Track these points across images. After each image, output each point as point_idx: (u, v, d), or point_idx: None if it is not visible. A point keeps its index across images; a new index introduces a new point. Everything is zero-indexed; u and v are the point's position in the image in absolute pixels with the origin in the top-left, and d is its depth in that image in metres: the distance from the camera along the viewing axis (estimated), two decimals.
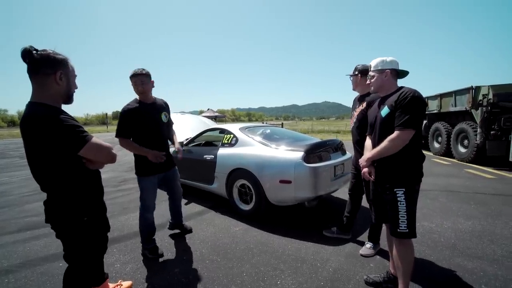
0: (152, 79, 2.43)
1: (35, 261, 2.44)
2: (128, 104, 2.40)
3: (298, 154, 3.04)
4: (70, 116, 1.29)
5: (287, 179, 2.98)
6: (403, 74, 1.87)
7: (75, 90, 1.41)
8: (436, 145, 8.99)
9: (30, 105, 1.26)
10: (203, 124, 5.33)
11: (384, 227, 2.16)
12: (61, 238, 1.41)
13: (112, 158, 1.38)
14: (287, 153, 3.12)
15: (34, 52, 1.23)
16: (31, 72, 1.25)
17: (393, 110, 1.68)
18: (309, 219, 3.36)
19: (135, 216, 3.57)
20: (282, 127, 5.38)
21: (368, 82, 1.94)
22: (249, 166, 3.25)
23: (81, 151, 1.26)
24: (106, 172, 6.75)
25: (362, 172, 1.91)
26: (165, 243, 2.75)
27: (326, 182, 3.15)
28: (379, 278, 2.03)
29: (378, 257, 2.45)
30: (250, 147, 3.45)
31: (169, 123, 2.63)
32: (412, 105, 1.63)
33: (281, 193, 3.07)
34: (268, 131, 3.99)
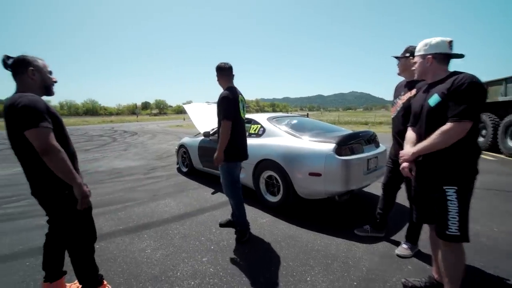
0: (216, 74, 2.56)
1: None
2: None
3: (329, 146, 2.88)
4: (46, 104, 1.42)
5: (317, 172, 2.85)
6: (456, 57, 1.64)
7: (54, 83, 1.60)
8: (480, 138, 8.23)
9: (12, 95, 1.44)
10: None
11: (425, 227, 1.98)
12: (48, 211, 1.62)
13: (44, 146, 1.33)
14: (317, 145, 2.97)
15: (7, 60, 1.46)
16: (12, 75, 1.47)
17: (444, 99, 1.48)
18: (339, 214, 3.22)
19: (164, 203, 3.66)
20: (307, 117, 5.17)
21: (413, 68, 1.74)
22: (277, 157, 3.16)
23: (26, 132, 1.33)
24: (137, 160, 7.04)
25: (401, 167, 1.73)
26: (193, 232, 2.77)
27: (358, 176, 2.98)
28: (419, 282, 1.87)
29: (415, 259, 2.27)
30: (278, 137, 3.35)
31: (217, 115, 2.53)
32: (470, 93, 1.42)
33: (310, 186, 2.95)
34: (297, 121, 3.85)
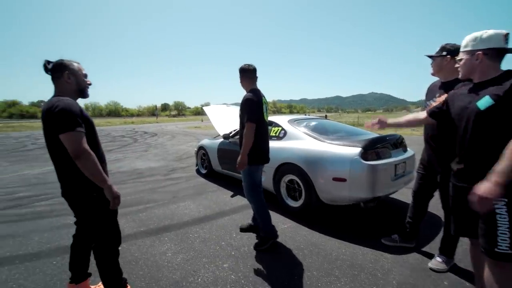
0: (240, 76, 2.53)
1: None
2: None
3: (355, 150, 2.75)
4: (80, 108, 1.47)
5: (342, 177, 2.73)
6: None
7: (88, 85, 1.64)
8: None
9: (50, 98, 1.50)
10: None
11: (462, 238, 1.82)
12: (77, 212, 1.66)
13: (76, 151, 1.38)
14: (342, 149, 2.85)
15: (48, 65, 1.53)
16: (51, 78, 1.54)
17: (498, 102, 1.32)
18: (365, 222, 3.06)
19: (184, 205, 3.66)
20: (325, 118, 5.01)
21: (456, 65, 1.58)
22: (299, 161, 3.07)
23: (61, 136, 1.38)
24: (157, 161, 7.17)
25: (478, 201, 1.27)
26: (213, 236, 2.74)
27: (385, 182, 2.82)
28: None
29: (452, 274, 2.09)
30: (300, 140, 3.25)
31: (239, 117, 2.50)
32: None
33: (334, 191, 2.83)
34: (319, 124, 3.74)
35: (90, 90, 1.67)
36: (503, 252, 1.35)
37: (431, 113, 1.86)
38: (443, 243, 2.23)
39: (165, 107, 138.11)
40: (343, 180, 2.72)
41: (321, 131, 3.38)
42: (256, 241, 2.60)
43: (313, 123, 3.72)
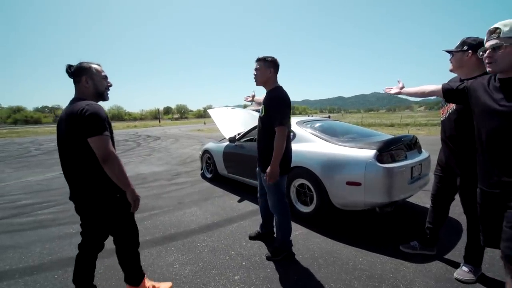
0: (271, 68, 2.17)
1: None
2: None
3: (370, 152, 2.61)
4: (106, 114, 1.49)
5: (356, 181, 2.59)
6: None
7: (109, 87, 1.65)
8: None
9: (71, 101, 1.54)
10: (254, 118, 5.14)
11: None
12: (94, 217, 1.64)
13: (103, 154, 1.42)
14: (356, 151, 2.71)
15: (70, 69, 1.55)
16: (73, 82, 1.57)
17: None
18: (381, 228, 2.91)
19: (190, 212, 3.54)
20: (329, 118, 4.93)
21: (498, 57, 1.33)
22: (310, 164, 2.93)
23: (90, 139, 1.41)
24: (161, 165, 7.07)
25: None
26: (222, 245, 2.61)
27: (402, 186, 2.68)
28: None
29: (481, 285, 1.94)
30: (310, 143, 3.12)
31: (262, 119, 2.23)
32: None
33: (347, 196, 2.69)
34: (329, 125, 3.61)
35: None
36: None
37: (447, 90, 1.74)
38: (467, 251, 2.08)
39: (167, 111, 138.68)
40: (358, 184, 2.59)
41: (331, 133, 3.25)
42: (267, 250, 2.47)
43: (322, 124, 3.58)
